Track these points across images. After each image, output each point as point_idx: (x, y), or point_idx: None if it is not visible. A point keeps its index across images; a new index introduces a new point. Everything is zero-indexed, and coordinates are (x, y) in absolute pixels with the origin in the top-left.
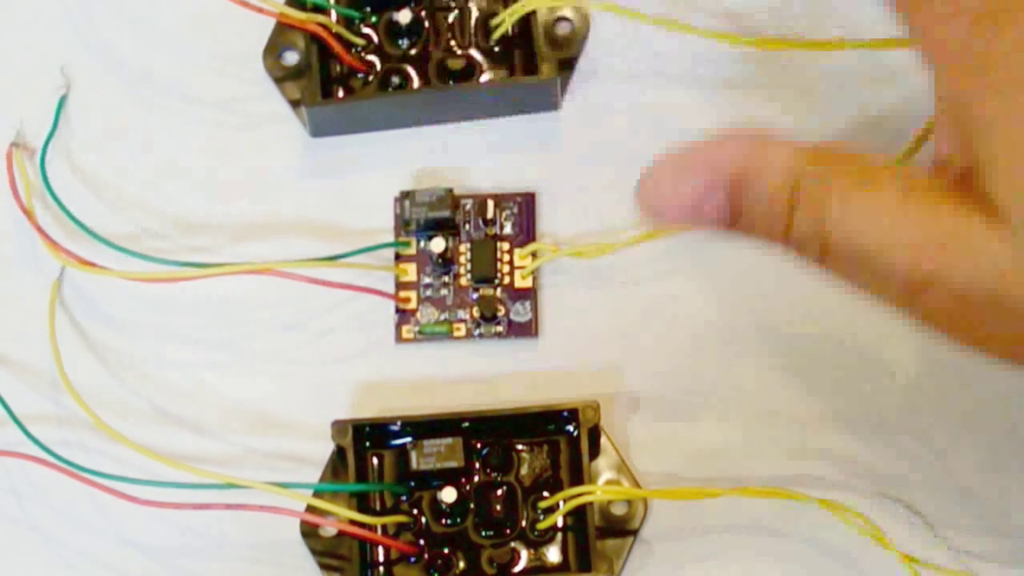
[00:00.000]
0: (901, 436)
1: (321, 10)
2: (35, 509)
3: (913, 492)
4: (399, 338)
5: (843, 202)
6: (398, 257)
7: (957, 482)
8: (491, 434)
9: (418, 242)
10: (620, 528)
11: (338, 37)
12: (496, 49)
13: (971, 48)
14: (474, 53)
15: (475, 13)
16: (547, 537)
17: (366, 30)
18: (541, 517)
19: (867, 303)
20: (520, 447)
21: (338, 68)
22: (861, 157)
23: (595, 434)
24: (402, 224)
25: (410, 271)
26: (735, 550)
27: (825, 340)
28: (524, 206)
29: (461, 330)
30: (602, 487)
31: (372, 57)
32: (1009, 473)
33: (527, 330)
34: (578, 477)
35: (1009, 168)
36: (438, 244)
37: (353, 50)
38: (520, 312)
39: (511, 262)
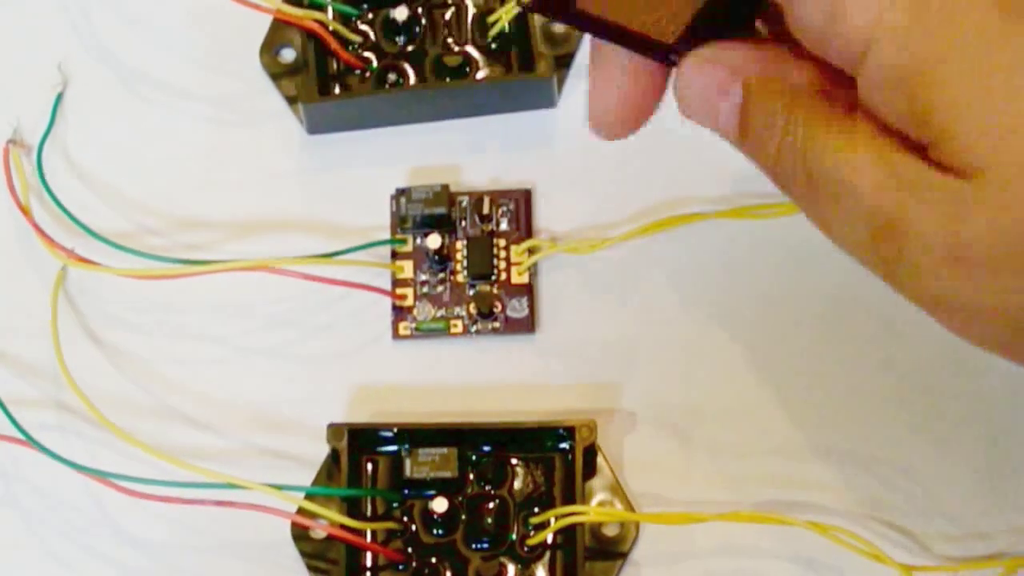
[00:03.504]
0: (888, 464)
1: (318, 7)
2: (28, 501)
3: (902, 516)
4: (396, 335)
5: (824, 137)
6: (395, 254)
7: (942, 505)
8: (486, 446)
9: (414, 239)
10: (610, 550)
11: (335, 34)
12: (493, 46)
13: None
14: (471, 50)
15: (472, 10)
16: (536, 554)
17: (363, 27)
18: (531, 533)
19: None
20: (515, 461)
21: (335, 65)
22: (851, 99)
23: (591, 453)
24: (398, 221)
25: (407, 268)
26: (726, 574)
27: (822, 338)
28: (520, 202)
29: (458, 326)
30: (594, 508)
31: (369, 54)
32: (993, 488)
33: (524, 326)
34: (571, 495)
35: (985, 129)
36: (434, 241)
37: (350, 47)
38: (517, 308)
39: (507, 258)
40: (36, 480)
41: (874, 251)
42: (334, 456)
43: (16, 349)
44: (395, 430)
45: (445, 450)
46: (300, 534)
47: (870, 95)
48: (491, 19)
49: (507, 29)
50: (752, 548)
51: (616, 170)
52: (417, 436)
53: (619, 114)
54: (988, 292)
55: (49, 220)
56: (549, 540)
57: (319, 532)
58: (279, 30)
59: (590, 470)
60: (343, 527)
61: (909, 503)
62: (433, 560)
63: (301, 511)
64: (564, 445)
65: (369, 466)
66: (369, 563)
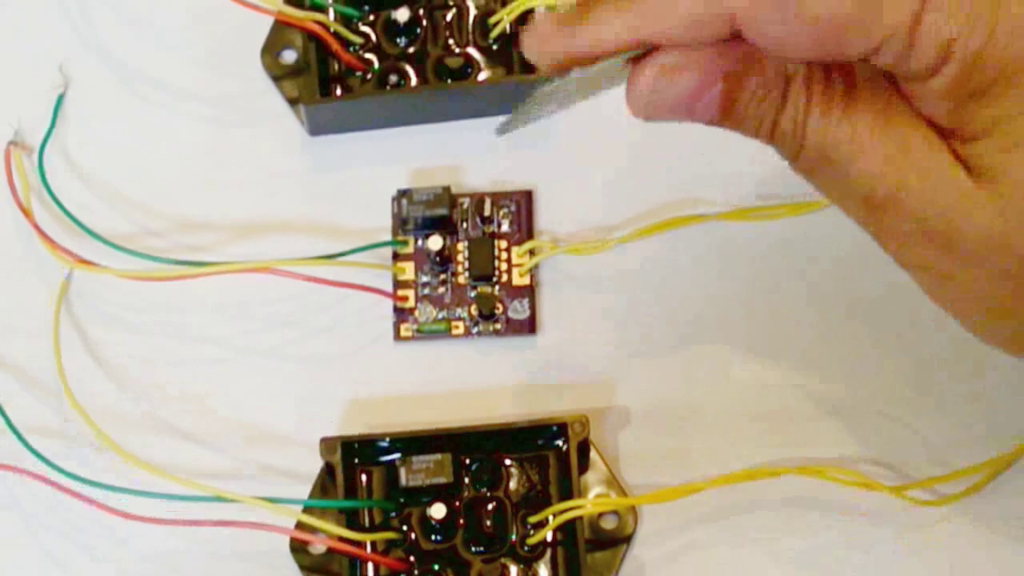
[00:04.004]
0: (876, 415)
1: (319, 8)
2: (25, 516)
3: (889, 455)
4: (397, 336)
5: (824, 112)
6: (396, 256)
7: (925, 440)
8: (480, 449)
9: (416, 240)
10: (610, 540)
11: (336, 35)
12: (494, 47)
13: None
14: (472, 51)
15: (473, 11)
16: (537, 552)
17: (364, 28)
18: (531, 532)
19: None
20: (509, 462)
21: (336, 66)
22: (849, 72)
23: (584, 448)
24: (400, 222)
25: (408, 270)
26: (726, 542)
27: (816, 337)
28: (522, 204)
29: (459, 328)
30: (590, 500)
31: (370, 55)
32: (973, 419)
33: (525, 327)
34: (567, 491)
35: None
36: (436, 242)
37: (351, 48)
38: (518, 309)
39: (509, 260)
40: (35, 485)
41: (866, 218)
42: (328, 470)
43: (17, 352)
44: (388, 440)
45: (439, 456)
46: (299, 548)
47: (930, 86)
48: (492, 20)
49: (508, 30)
50: (747, 505)
51: (617, 172)
52: (410, 444)
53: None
54: (967, 276)
55: (51, 221)
56: (549, 538)
57: (318, 546)
58: (280, 31)
59: (585, 466)
60: (343, 539)
61: (894, 443)
62: (435, 567)
63: (300, 525)
64: (558, 442)
65: (364, 477)
66: (371, 574)
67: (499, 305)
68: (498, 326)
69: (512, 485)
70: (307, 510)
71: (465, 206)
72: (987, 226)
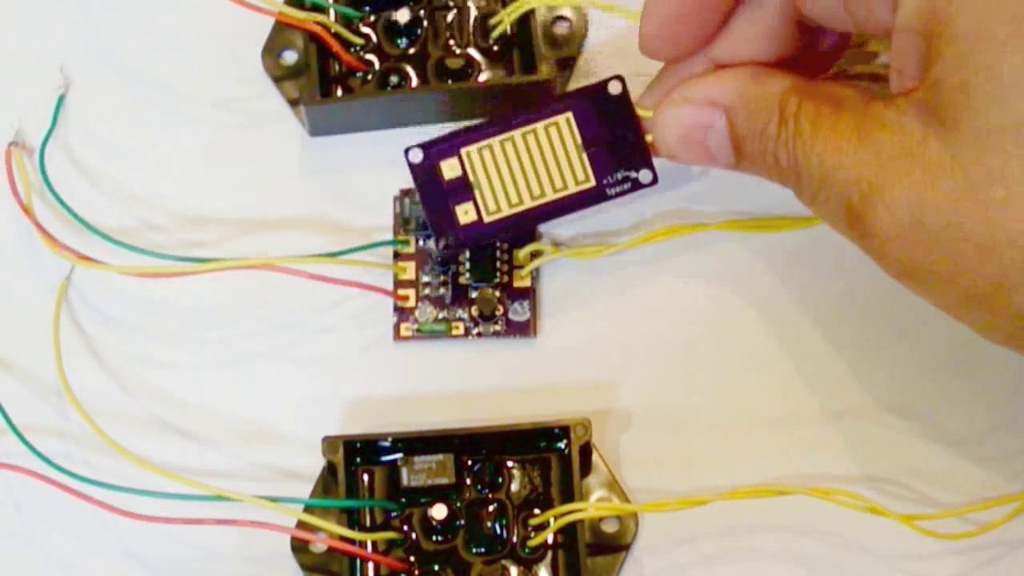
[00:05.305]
0: (888, 428)
1: (320, 9)
2: (26, 515)
3: (906, 475)
4: (397, 336)
5: (812, 133)
6: (397, 255)
7: (942, 460)
8: (482, 450)
9: (417, 240)
10: (611, 544)
11: (337, 36)
12: (495, 48)
13: None
14: (472, 52)
15: (474, 12)
16: (537, 555)
17: (365, 29)
18: (532, 534)
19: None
20: (511, 464)
21: (337, 67)
22: (832, 88)
23: (586, 451)
24: (401, 222)
25: (409, 269)
26: (728, 556)
27: (818, 343)
28: None
29: (459, 329)
30: (592, 504)
31: (371, 56)
32: (998, 439)
33: (525, 329)
34: (569, 494)
35: (972, 88)
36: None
37: (352, 49)
38: (519, 311)
39: (510, 261)
40: (35, 485)
41: (849, 227)
42: (330, 469)
43: (17, 351)
44: (390, 440)
45: (441, 457)
46: (300, 547)
47: (897, 48)
48: (493, 21)
49: (509, 31)
50: (751, 527)
51: None
52: (412, 444)
53: (674, 28)
54: (942, 260)
55: (52, 222)
56: (550, 540)
57: (319, 545)
58: (281, 32)
59: (586, 468)
60: (343, 539)
61: (911, 463)
62: (436, 567)
63: (301, 524)
64: (560, 445)
65: (365, 477)
66: (372, 574)
67: (499, 306)
68: (498, 327)
69: (514, 487)
70: (308, 509)
71: None
72: (953, 191)
